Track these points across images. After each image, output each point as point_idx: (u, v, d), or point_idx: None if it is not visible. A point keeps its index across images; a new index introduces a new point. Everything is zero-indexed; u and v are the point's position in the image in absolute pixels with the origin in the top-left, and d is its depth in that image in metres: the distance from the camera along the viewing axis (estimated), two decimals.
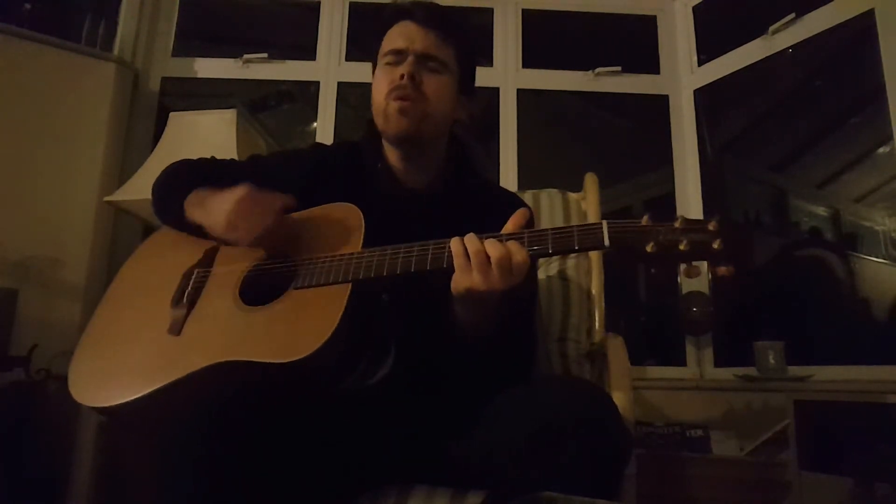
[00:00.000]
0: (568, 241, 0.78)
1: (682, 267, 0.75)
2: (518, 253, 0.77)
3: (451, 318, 0.88)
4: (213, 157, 1.15)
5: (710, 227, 0.73)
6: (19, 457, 1.62)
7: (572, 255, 1.51)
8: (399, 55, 1.02)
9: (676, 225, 0.74)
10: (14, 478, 1.59)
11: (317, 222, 0.98)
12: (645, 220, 0.75)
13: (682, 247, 0.73)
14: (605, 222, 0.76)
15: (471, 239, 0.79)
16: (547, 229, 0.80)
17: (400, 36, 1.03)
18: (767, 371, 1.90)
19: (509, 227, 0.82)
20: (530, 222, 0.85)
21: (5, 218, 1.91)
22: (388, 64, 1.03)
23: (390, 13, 1.07)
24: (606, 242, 0.76)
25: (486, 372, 0.90)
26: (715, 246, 0.72)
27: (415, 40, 1.02)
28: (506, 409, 0.83)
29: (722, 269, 0.73)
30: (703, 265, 0.75)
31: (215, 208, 0.94)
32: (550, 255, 0.80)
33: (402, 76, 0.99)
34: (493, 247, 0.78)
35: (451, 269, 0.80)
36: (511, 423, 0.79)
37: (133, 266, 1.11)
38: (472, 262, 0.78)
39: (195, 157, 1.15)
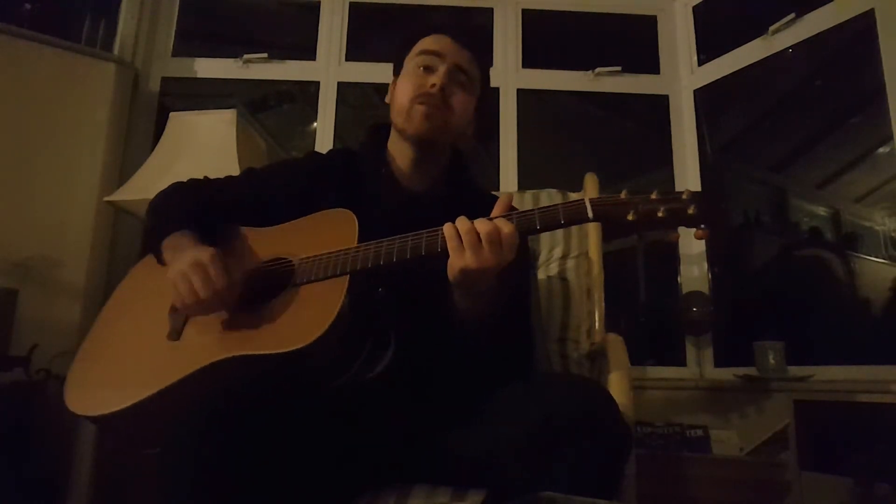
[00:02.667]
0: (553, 216, 0.82)
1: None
2: (505, 226, 0.81)
3: (450, 309, 0.90)
4: (206, 178, 1.15)
5: (684, 195, 0.79)
6: (19, 457, 1.61)
7: (571, 255, 1.52)
8: (433, 58, 1.04)
9: (653, 196, 0.79)
10: (14, 478, 1.59)
11: (311, 228, 0.99)
12: (624, 193, 0.81)
13: (660, 214, 0.78)
14: (586, 198, 0.81)
15: (461, 220, 0.83)
16: (534, 208, 0.84)
17: (435, 43, 1.06)
18: (767, 371, 1.90)
19: (496, 211, 0.85)
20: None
21: (5, 218, 1.91)
22: (419, 67, 1.05)
23: (424, 26, 1.10)
24: (590, 215, 0.80)
25: (486, 363, 0.92)
26: (690, 211, 0.77)
27: (450, 52, 1.05)
28: (506, 407, 0.83)
29: (699, 233, 0.78)
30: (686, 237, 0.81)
31: (177, 260, 0.94)
32: (539, 231, 0.83)
33: (433, 85, 1.01)
34: (481, 224, 0.81)
35: (445, 254, 0.83)
36: (511, 421, 0.79)
37: (130, 281, 1.11)
38: (464, 241, 0.81)
39: (188, 179, 1.14)
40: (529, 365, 1.03)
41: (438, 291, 0.88)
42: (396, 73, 1.12)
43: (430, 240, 0.85)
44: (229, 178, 1.17)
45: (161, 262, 1.01)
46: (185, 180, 1.14)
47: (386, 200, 1.06)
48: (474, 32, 1.11)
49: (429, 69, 1.04)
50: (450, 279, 0.84)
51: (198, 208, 1.06)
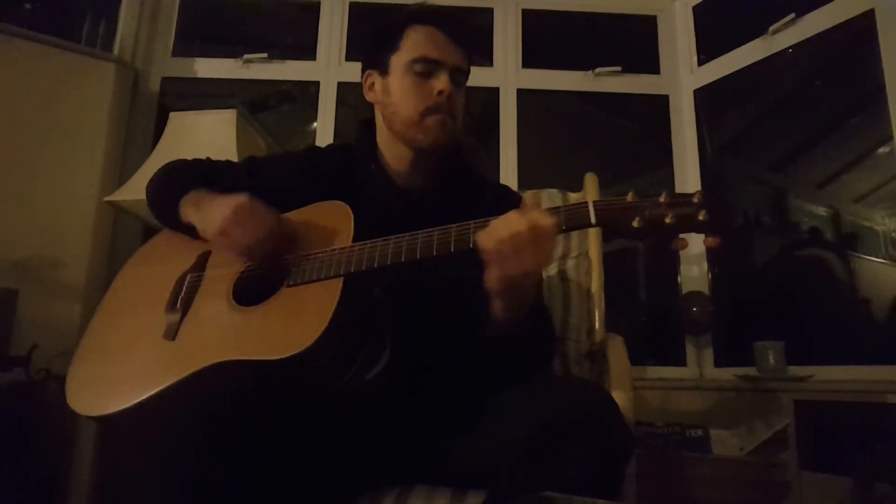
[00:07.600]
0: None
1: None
2: (544, 218, 0.75)
3: (486, 321, 0.87)
4: (208, 158, 1.15)
5: (695, 199, 0.74)
6: (19, 457, 1.61)
7: (571, 255, 1.51)
8: (434, 66, 1.00)
9: (661, 199, 0.75)
10: (14, 478, 1.59)
11: (307, 221, 0.99)
12: (630, 196, 0.76)
13: (668, 220, 0.73)
14: (590, 201, 0.77)
15: (503, 222, 0.77)
16: None
17: (432, 45, 1.00)
18: (767, 371, 1.90)
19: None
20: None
21: (5, 218, 1.91)
22: (418, 73, 1.00)
23: (414, 13, 1.04)
24: (593, 220, 0.77)
25: (514, 366, 0.90)
26: (700, 217, 0.73)
27: (449, 54, 1.00)
28: (506, 408, 0.83)
29: (709, 241, 0.73)
30: (690, 237, 0.76)
31: (212, 211, 0.93)
32: None
33: (440, 92, 0.98)
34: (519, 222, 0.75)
35: (439, 258, 0.80)
36: (512, 423, 0.79)
37: (125, 277, 1.11)
38: (507, 247, 0.75)
39: (190, 158, 1.14)
40: (550, 363, 1.01)
41: (433, 296, 0.87)
42: (376, 67, 1.05)
43: (425, 242, 0.83)
44: (230, 162, 1.16)
45: (176, 223, 1.01)
46: (187, 158, 1.14)
47: (379, 197, 1.05)
48: (464, 24, 1.06)
49: (428, 75, 1.00)
50: (494, 288, 0.80)
51: (203, 181, 1.05)
